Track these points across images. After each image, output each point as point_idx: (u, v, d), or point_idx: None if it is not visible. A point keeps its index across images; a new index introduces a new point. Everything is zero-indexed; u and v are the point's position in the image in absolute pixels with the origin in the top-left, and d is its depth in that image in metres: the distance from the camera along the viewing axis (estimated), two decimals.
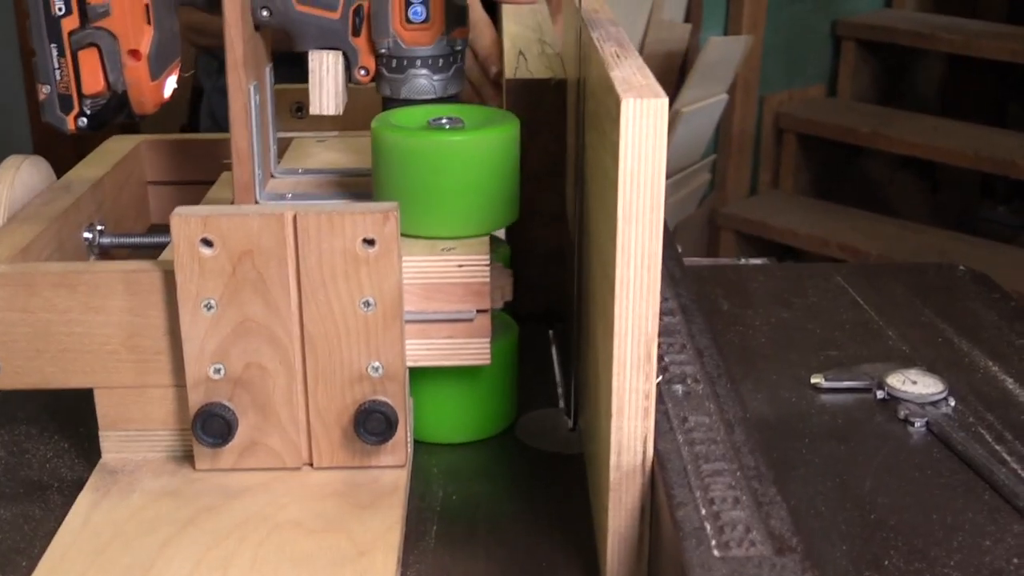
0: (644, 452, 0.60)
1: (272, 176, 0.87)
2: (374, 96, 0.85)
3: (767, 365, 0.90)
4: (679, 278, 0.82)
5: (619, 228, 0.56)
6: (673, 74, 2.77)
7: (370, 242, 0.69)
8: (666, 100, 0.55)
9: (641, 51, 2.71)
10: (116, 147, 0.98)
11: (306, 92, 0.82)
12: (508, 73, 0.87)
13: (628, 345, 0.58)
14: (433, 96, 0.82)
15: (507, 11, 1.09)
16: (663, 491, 0.57)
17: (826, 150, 3.03)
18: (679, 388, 0.67)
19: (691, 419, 0.63)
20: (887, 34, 2.97)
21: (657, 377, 0.59)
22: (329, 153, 0.94)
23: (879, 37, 2.99)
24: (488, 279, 0.73)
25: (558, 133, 0.88)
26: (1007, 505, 0.71)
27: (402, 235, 0.72)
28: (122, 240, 0.89)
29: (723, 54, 2.71)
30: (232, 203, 0.81)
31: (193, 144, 1.01)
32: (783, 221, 2.86)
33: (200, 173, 1.00)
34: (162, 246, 0.87)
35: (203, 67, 1.37)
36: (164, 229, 1.36)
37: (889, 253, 2.71)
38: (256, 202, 0.81)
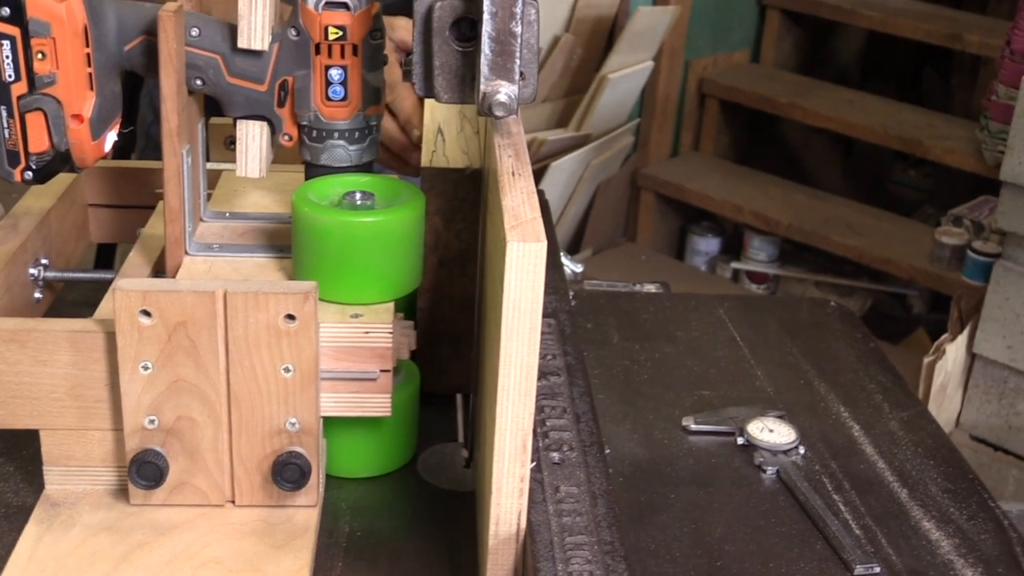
0: (518, 525, 0.70)
1: (201, 220, 0.95)
2: None
3: (646, 404, 1.01)
4: (568, 334, 0.92)
5: (502, 344, 0.66)
6: (602, 39, 2.85)
7: (291, 317, 0.78)
8: (544, 244, 0.64)
9: (572, 15, 2.77)
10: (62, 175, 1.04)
11: None
12: (424, 157, 0.91)
13: (507, 438, 0.68)
14: (349, 164, 0.89)
15: None
16: (532, 561, 0.68)
17: (746, 116, 3.15)
18: (555, 455, 0.78)
19: (562, 489, 0.74)
20: (810, 6, 3.08)
21: (532, 463, 0.70)
22: (257, 193, 1.02)
23: (802, 8, 3.10)
24: (391, 344, 0.81)
25: (472, 220, 0.93)
26: (835, 556, 0.83)
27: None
28: (65, 275, 0.96)
29: (651, 24, 2.79)
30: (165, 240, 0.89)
31: (131, 171, 1.08)
32: (700, 185, 2.99)
33: (138, 198, 1.07)
34: (102, 281, 0.95)
35: None
36: (104, 249, 1.43)
37: (799, 223, 2.84)
38: (186, 253, 0.90)
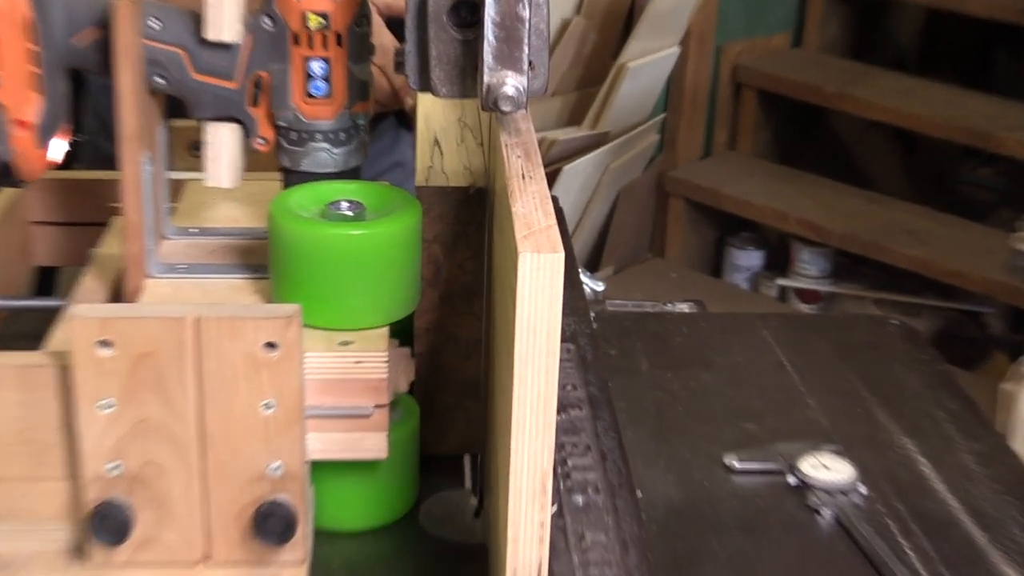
0: None
1: (164, 238, 0.96)
2: None
3: (681, 440, 1.03)
4: (590, 361, 0.93)
5: (516, 370, 0.65)
6: (619, 22, 2.87)
7: (272, 346, 0.78)
8: (562, 255, 0.63)
9: None
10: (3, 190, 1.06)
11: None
12: (419, 175, 0.93)
13: (524, 478, 0.68)
14: (334, 169, 0.90)
15: None
16: None
17: (788, 108, 3.17)
18: (579, 499, 0.78)
19: (588, 536, 0.75)
20: None
21: (552, 505, 0.71)
22: (228, 205, 1.03)
23: None
24: (386, 375, 0.82)
25: (478, 247, 0.93)
26: None
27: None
28: (8, 304, 0.98)
29: (675, 4, 2.81)
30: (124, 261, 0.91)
31: (81, 184, 1.10)
32: (738, 189, 3.01)
33: (87, 214, 1.09)
34: (49, 309, 0.96)
35: None
36: (44, 274, 1.44)
37: (854, 231, 2.86)
38: (148, 275, 0.91)
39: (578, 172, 2.69)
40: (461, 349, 0.96)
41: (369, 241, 0.85)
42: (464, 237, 0.94)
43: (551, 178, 2.61)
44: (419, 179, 0.93)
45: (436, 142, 0.93)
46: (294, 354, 0.79)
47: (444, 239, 0.93)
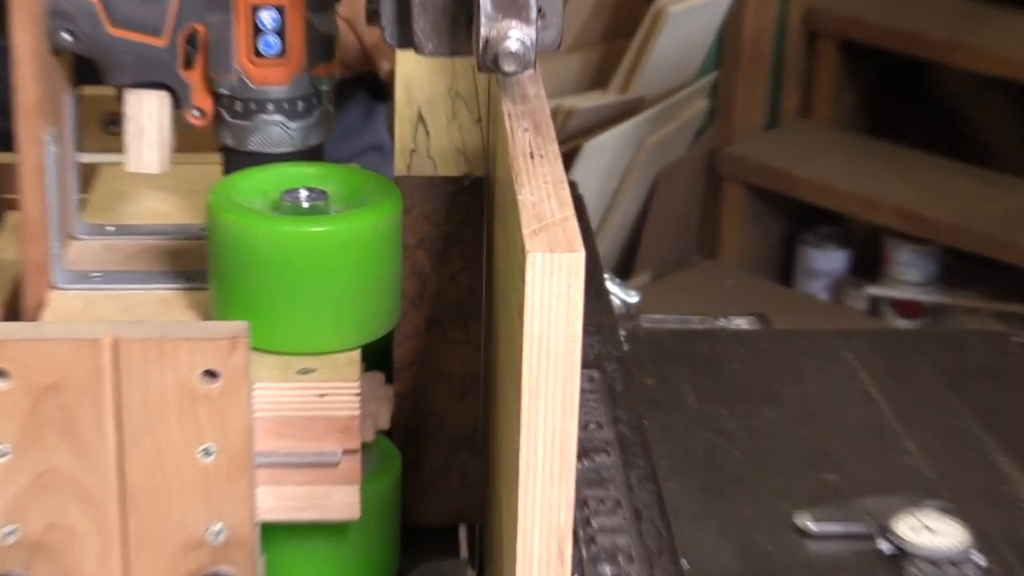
0: None
1: (73, 238, 0.97)
2: None
3: (740, 494, 1.02)
4: (620, 393, 0.95)
5: (524, 405, 0.65)
6: None
7: (212, 374, 0.78)
8: (582, 255, 0.63)
9: None
10: None
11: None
12: (399, 161, 0.92)
13: (535, 543, 0.67)
14: (291, 148, 0.91)
15: None
16: None
17: (880, 63, 3.15)
18: (607, 570, 0.79)
19: None
20: None
21: None
22: (154, 196, 1.04)
23: None
24: (358, 411, 0.82)
25: (474, 257, 0.93)
26: None
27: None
28: None
29: None
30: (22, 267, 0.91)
31: None
32: (814, 170, 2.99)
33: None
34: None
35: None
36: None
37: (967, 223, 2.85)
38: (52, 286, 0.92)
39: (604, 149, 2.68)
40: (454, 388, 0.96)
41: (335, 240, 0.85)
42: (458, 242, 0.94)
43: (569, 157, 2.60)
44: (398, 166, 0.93)
45: (420, 118, 0.93)
46: (240, 384, 0.79)
47: (431, 245, 0.94)
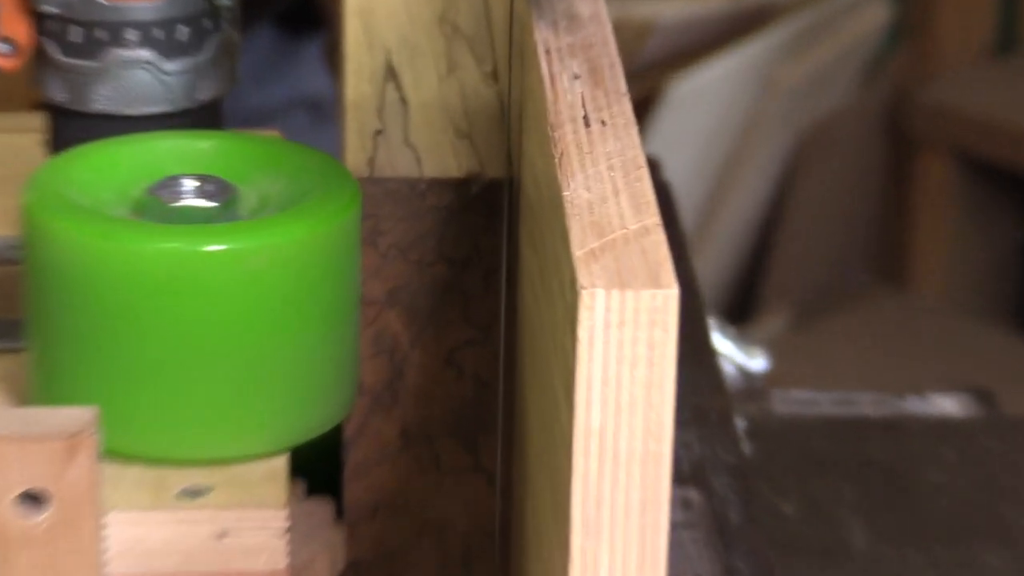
0: None
1: None
2: None
3: None
4: (738, 528, 0.81)
5: (575, 549, 0.54)
6: None
7: (35, 499, 0.64)
8: (675, 291, 0.51)
9: None
10: None
11: None
12: (353, 154, 0.74)
13: None
14: (167, 108, 0.77)
15: None
16: None
17: None
18: None
19: None
20: None
21: None
22: None
23: None
24: (285, 561, 0.69)
25: (486, 318, 0.78)
26: None
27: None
28: None
29: None
30: None
31: None
32: None
33: None
34: None
35: None
36: None
37: None
38: None
39: (704, 94, 2.39)
40: (453, 552, 0.82)
41: (243, 268, 0.70)
42: (458, 294, 0.79)
43: (643, 109, 2.26)
44: (353, 160, 0.76)
45: (390, 73, 0.76)
46: (83, 518, 0.65)
47: (412, 298, 0.79)
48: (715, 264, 2.47)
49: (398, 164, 0.78)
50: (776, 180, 2.48)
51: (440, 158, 0.79)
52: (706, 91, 2.28)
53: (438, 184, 0.79)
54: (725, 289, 2.48)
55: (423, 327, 0.81)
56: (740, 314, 2.43)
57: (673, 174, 1.11)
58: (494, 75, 0.78)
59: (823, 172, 2.52)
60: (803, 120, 2.40)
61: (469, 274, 0.81)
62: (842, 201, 2.60)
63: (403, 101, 0.77)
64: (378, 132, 0.77)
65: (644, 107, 2.16)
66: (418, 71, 0.77)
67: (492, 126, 0.80)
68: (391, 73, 0.77)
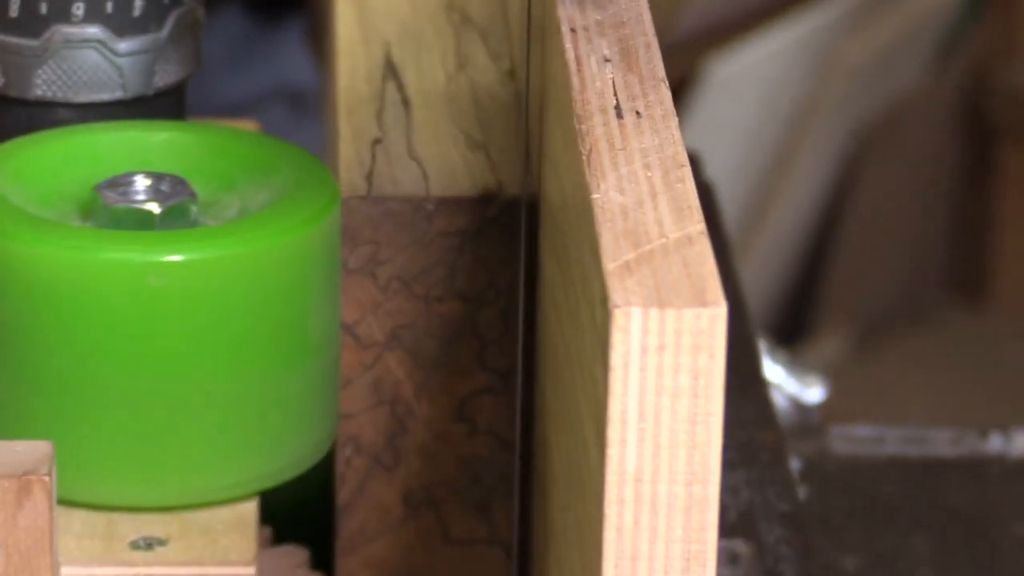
0: None
1: None
2: None
3: None
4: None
5: None
6: None
7: None
8: (723, 310, 0.50)
9: None
10: None
11: None
12: (347, 169, 0.69)
13: None
14: (119, 94, 0.73)
15: None
16: None
17: None
18: None
19: None
20: None
21: None
22: None
23: None
24: None
25: (504, 362, 0.73)
26: None
27: None
28: None
29: None
30: None
31: None
32: None
33: None
34: None
35: None
36: None
37: None
38: None
39: (750, 75, 2.31)
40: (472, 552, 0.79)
41: (205, 282, 0.67)
42: (473, 337, 0.75)
43: (680, 91, 2.20)
44: (348, 178, 0.72)
45: (389, 69, 0.73)
46: (40, 565, 0.63)
47: (416, 341, 0.75)
48: (762, 278, 2.41)
49: (400, 180, 0.74)
50: (834, 178, 2.42)
51: (450, 173, 0.75)
52: (751, 73, 2.22)
53: (448, 204, 0.75)
54: (774, 307, 2.43)
55: (430, 374, 0.78)
56: (792, 337, 2.36)
57: (711, 171, 1.07)
58: (512, 72, 0.74)
59: (889, 168, 2.45)
60: (866, 107, 2.33)
61: (485, 312, 0.76)
62: (911, 203, 2.54)
63: (405, 104, 0.73)
64: (376, 141, 0.73)
65: (677, 92, 2.08)
66: (423, 68, 0.74)
67: (511, 134, 0.76)
68: (391, 70, 0.74)
